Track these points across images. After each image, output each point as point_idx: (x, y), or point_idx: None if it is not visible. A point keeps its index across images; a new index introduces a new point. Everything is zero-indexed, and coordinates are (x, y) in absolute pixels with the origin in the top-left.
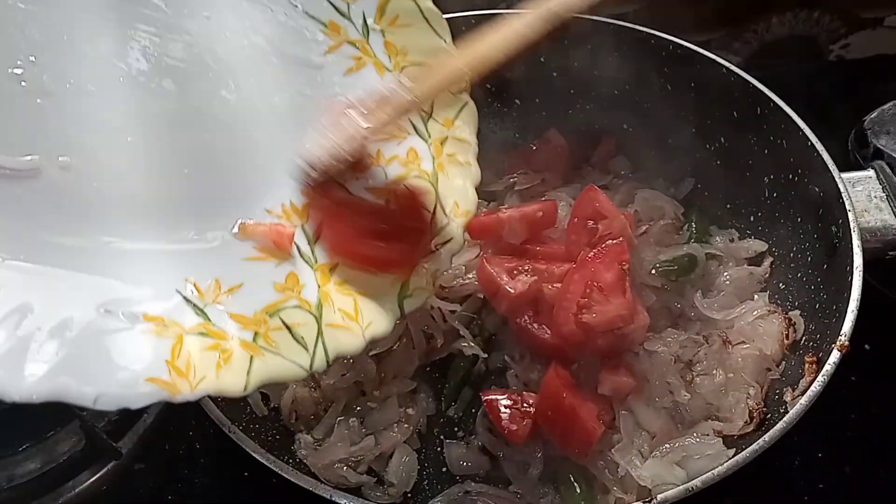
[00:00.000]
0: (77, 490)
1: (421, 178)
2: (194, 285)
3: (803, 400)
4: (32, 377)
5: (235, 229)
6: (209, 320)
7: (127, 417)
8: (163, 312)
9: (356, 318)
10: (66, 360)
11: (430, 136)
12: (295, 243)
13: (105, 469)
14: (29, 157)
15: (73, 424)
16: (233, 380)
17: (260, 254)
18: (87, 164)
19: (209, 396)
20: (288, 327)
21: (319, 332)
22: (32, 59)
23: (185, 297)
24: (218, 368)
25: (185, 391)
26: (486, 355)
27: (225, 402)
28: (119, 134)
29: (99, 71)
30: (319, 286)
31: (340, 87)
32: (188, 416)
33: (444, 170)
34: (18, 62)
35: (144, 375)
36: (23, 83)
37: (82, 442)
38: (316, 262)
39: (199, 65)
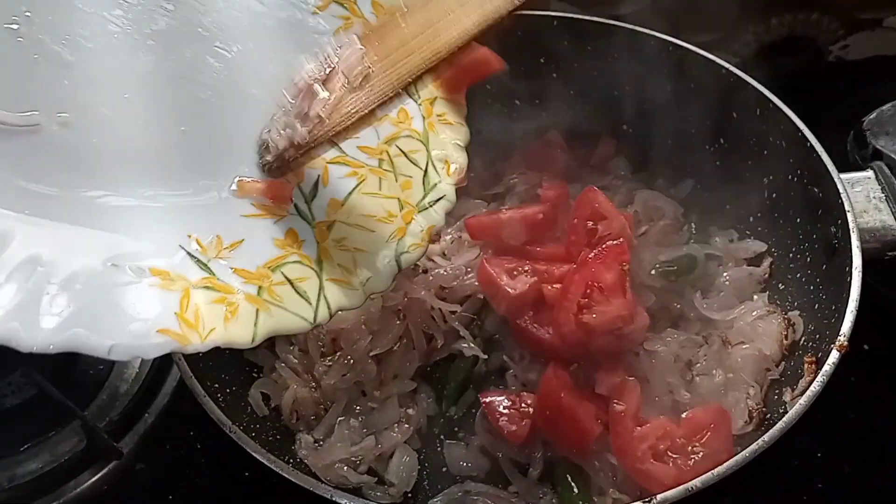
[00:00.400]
0: (78, 490)
1: (412, 138)
2: (197, 241)
3: (802, 400)
4: (47, 328)
5: (234, 186)
6: (213, 275)
7: (128, 417)
8: (168, 267)
9: (356, 273)
10: (79, 312)
11: (419, 97)
12: (292, 201)
13: (106, 469)
14: (29, 113)
15: (74, 424)
16: (241, 331)
17: (258, 210)
18: (86, 120)
19: (209, 396)
20: (290, 281)
21: (321, 287)
22: (28, 14)
23: (188, 252)
24: (226, 321)
25: (196, 342)
26: (486, 356)
27: (226, 403)
28: (116, 90)
29: (94, 27)
30: (318, 242)
31: (331, 46)
32: (189, 416)
33: (435, 129)
34: (14, 17)
35: (156, 326)
36: (19, 39)
37: (83, 442)
38: (314, 219)
39: (192, 23)
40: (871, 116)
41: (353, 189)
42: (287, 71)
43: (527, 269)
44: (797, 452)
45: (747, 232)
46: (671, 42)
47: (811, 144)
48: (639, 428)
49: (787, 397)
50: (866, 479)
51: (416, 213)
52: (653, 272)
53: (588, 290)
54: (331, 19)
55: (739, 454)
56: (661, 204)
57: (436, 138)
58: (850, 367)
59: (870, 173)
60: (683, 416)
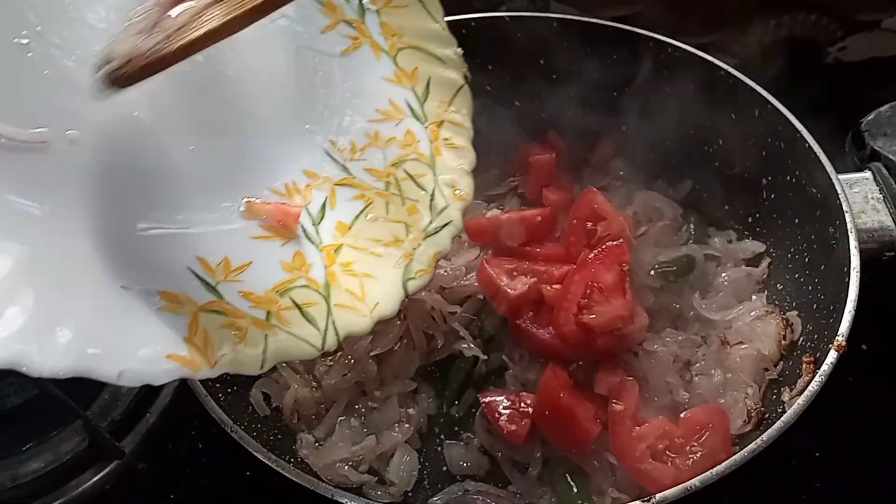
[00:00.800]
0: (80, 489)
1: (419, 161)
2: (205, 263)
3: (801, 400)
4: (56, 353)
5: (242, 207)
6: (222, 298)
7: (130, 417)
8: (177, 289)
9: (363, 299)
10: (88, 337)
11: (426, 119)
12: (300, 223)
13: (108, 468)
14: (38, 130)
15: (76, 424)
16: (250, 357)
17: (266, 233)
18: (95, 138)
19: (211, 396)
20: (298, 307)
21: (329, 312)
22: (39, 28)
23: (197, 276)
24: (235, 346)
25: (205, 368)
26: (486, 357)
27: (227, 402)
28: (125, 107)
29: (103, 43)
30: (326, 266)
31: (339, 66)
32: (191, 415)
33: (441, 153)
34: (24, 31)
35: (165, 352)
36: (29, 53)
37: (85, 441)
38: (321, 242)
39: None
40: (870, 118)
41: (361, 212)
42: (298, 96)
43: (526, 269)
44: (795, 452)
45: (746, 232)
46: (670, 44)
47: (809, 145)
48: (637, 428)
49: (785, 397)
50: (865, 479)
51: (422, 239)
52: (652, 272)
53: (588, 291)
54: (339, 39)
55: (738, 454)
56: (660, 204)
57: (442, 162)
58: (849, 367)
59: (868, 174)
60: (682, 415)
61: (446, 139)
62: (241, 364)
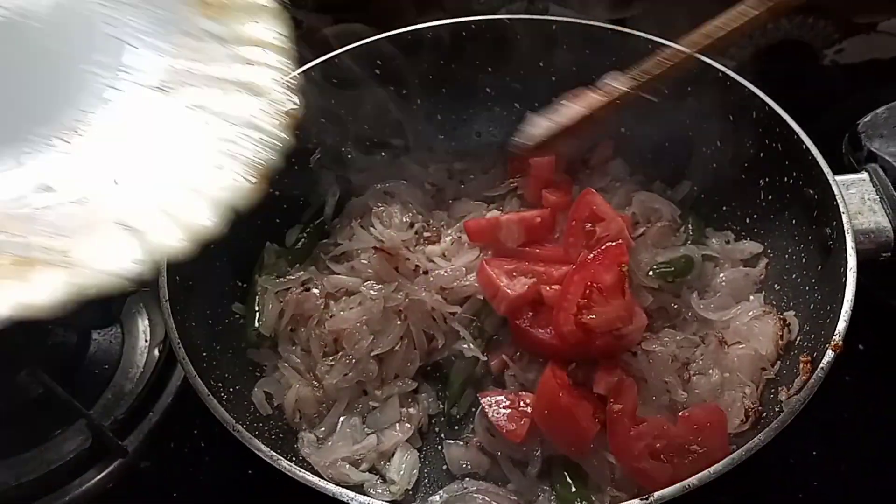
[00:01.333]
0: (83, 488)
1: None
2: None
3: (798, 399)
4: None
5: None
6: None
7: (133, 416)
8: None
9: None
10: None
11: (235, 42)
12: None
13: (111, 467)
14: None
15: (79, 423)
16: (43, 293)
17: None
18: None
19: (213, 395)
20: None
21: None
22: None
23: None
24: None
25: None
26: (486, 358)
27: (229, 402)
28: None
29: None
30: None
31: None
32: (193, 415)
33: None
34: None
35: None
36: None
37: (88, 440)
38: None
39: None
40: (866, 119)
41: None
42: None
43: (526, 270)
44: (793, 451)
45: (743, 233)
46: (668, 46)
47: (806, 147)
48: (636, 427)
49: (782, 396)
50: (862, 478)
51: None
52: (650, 273)
53: (587, 291)
54: None
55: (735, 453)
56: (659, 205)
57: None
58: (845, 367)
59: (864, 175)
60: (680, 415)
61: (260, 61)
62: (31, 305)
